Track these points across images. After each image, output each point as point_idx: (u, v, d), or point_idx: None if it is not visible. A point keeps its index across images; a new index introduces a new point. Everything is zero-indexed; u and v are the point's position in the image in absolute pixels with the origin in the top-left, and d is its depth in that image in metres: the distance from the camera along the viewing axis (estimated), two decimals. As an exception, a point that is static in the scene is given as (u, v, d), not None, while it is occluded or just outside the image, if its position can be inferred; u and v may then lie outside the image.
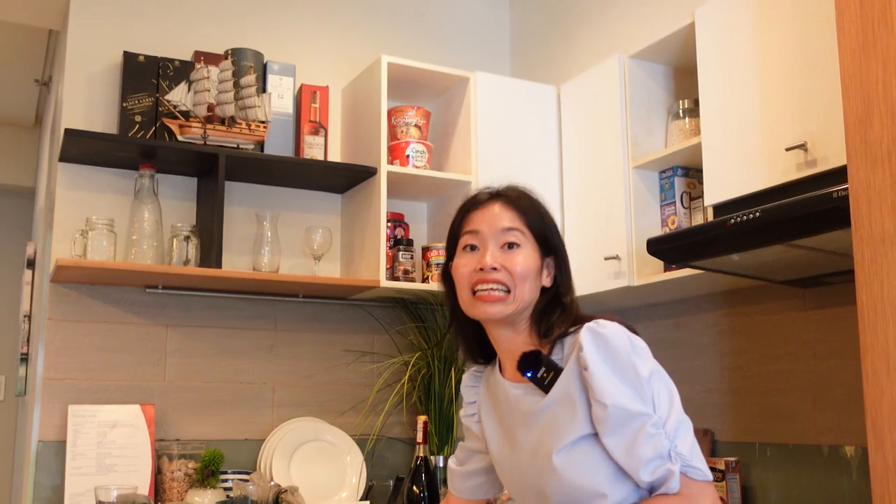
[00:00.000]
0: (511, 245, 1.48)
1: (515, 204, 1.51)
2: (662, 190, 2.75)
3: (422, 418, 2.51)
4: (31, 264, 3.96)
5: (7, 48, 3.84)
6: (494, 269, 1.45)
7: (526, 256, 1.47)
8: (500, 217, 1.49)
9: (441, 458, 2.63)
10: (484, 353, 1.58)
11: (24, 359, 3.87)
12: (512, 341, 1.50)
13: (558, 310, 1.49)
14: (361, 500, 2.63)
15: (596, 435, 1.37)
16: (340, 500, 2.55)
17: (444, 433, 2.76)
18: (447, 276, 1.56)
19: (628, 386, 1.34)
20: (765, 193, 2.14)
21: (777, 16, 2.15)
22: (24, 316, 3.91)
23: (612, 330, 1.39)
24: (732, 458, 2.52)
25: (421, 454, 2.47)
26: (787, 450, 2.44)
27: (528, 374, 1.44)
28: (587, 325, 1.40)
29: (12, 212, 4.98)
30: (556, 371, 1.41)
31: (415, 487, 2.44)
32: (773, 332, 2.54)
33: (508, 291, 1.45)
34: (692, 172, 2.65)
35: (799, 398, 2.44)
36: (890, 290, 1.51)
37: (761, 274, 2.35)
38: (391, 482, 2.66)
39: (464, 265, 1.49)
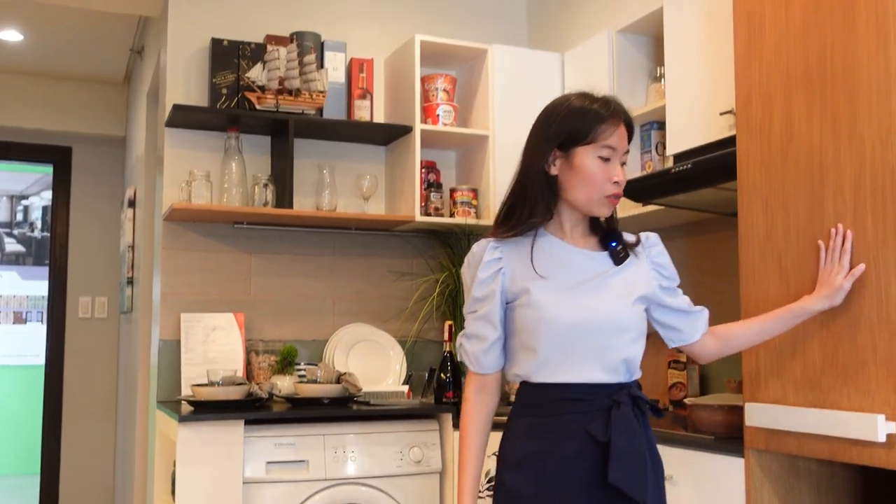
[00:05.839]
0: (623, 164, 1.82)
1: (629, 129, 1.84)
2: (642, 141, 3.38)
3: (448, 322, 3.26)
4: (132, 204, 4.76)
5: (103, 20, 4.52)
6: (622, 182, 1.80)
7: (626, 173, 1.84)
8: (625, 139, 1.82)
9: (465, 354, 3.37)
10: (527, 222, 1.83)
11: (130, 281, 4.71)
12: (583, 221, 1.86)
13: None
14: (402, 384, 3.39)
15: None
16: (387, 385, 3.33)
17: (468, 335, 3.49)
18: (544, 158, 1.80)
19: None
20: (708, 147, 2.77)
21: (718, 12, 2.74)
22: (129, 246, 4.73)
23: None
24: (692, 353, 3.21)
25: (447, 350, 3.22)
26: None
27: (612, 245, 1.84)
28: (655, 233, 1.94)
29: (106, 158, 5.77)
30: (626, 249, 1.86)
31: (442, 375, 3.19)
32: (725, 254, 3.17)
33: (621, 199, 1.83)
34: (665, 126, 3.28)
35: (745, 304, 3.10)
36: (755, 221, 2.18)
37: (710, 208, 2.98)
38: (426, 373, 3.41)
39: (602, 172, 1.77)
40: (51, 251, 5.70)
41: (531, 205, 1.80)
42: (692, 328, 1.96)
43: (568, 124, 1.79)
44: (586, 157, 1.77)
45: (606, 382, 1.75)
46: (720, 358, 2.04)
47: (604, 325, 1.76)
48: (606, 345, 1.75)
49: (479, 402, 1.83)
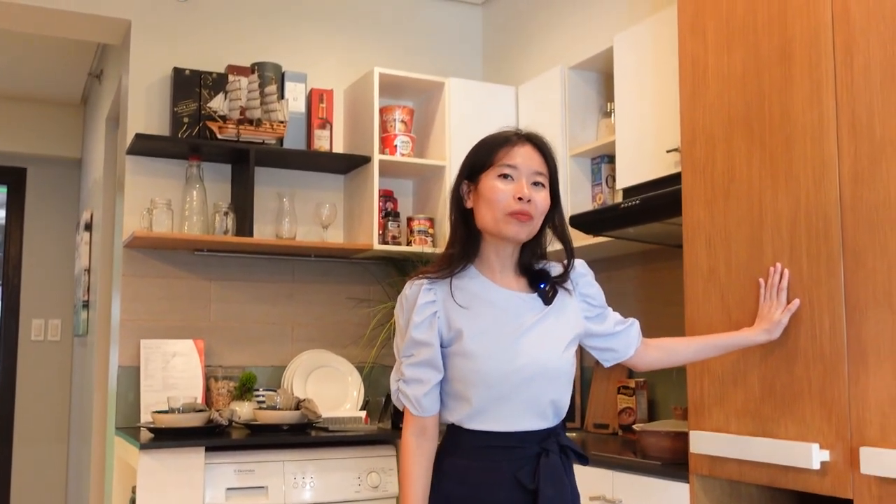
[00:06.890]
0: (537, 184, 1.79)
1: (543, 151, 1.82)
2: (593, 173, 3.50)
3: (405, 349, 3.33)
4: (88, 227, 4.76)
5: (60, 44, 4.54)
6: (528, 200, 1.76)
7: (545, 197, 1.80)
8: (533, 158, 1.80)
9: (421, 380, 3.44)
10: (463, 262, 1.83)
11: (86, 305, 4.69)
12: (512, 257, 1.85)
13: (542, 241, 1.88)
14: (360, 410, 3.45)
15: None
16: (345, 410, 3.38)
17: (424, 361, 3.57)
18: (458, 193, 1.84)
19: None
20: (655, 182, 2.89)
21: (665, 55, 2.87)
22: (84, 270, 4.72)
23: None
24: (641, 379, 3.32)
25: (404, 375, 3.29)
26: (681, 371, 3.23)
27: (542, 286, 1.83)
28: (581, 260, 1.93)
29: (60, 180, 5.74)
30: (555, 287, 1.86)
31: (400, 400, 3.26)
32: (673, 284, 3.30)
33: (532, 220, 1.79)
34: (614, 160, 3.40)
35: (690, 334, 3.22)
36: (699, 257, 2.29)
37: (658, 240, 3.10)
38: (383, 399, 3.47)
39: (502, 190, 1.76)
40: (3, 272, 5.65)
41: (458, 244, 1.83)
42: (625, 345, 1.99)
43: (473, 156, 1.84)
44: (488, 179, 1.78)
45: (537, 429, 1.78)
46: (657, 368, 2.12)
47: (538, 374, 1.77)
48: (540, 392, 1.77)
49: (420, 447, 1.78)
